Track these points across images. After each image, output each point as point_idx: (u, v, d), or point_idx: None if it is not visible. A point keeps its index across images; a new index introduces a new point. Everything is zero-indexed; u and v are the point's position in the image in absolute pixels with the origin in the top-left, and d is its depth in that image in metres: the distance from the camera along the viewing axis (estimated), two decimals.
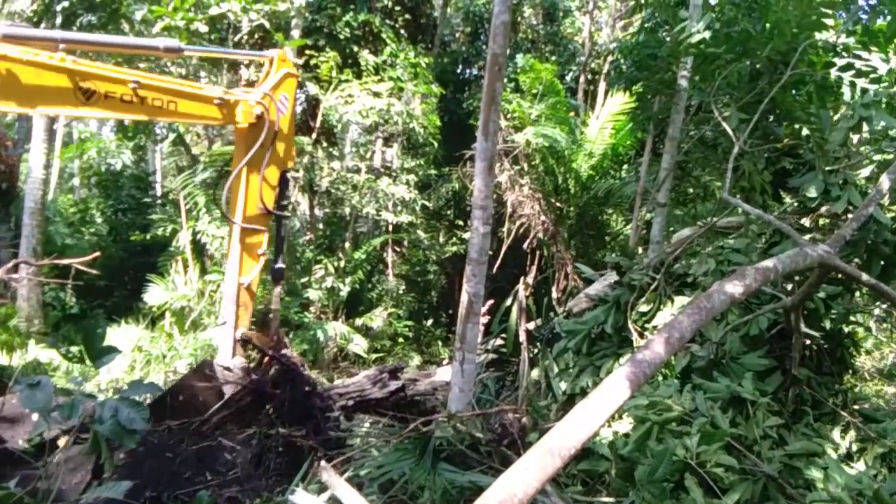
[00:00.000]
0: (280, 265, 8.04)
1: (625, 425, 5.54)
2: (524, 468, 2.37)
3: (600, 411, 2.62)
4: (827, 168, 5.78)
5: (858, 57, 5.60)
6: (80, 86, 5.40)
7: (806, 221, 6.25)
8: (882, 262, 5.51)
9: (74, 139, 21.62)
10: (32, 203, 12.05)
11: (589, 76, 17.64)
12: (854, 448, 5.06)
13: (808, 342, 5.59)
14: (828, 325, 5.70)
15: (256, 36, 13.16)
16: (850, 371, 6.39)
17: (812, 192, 5.60)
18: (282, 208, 7.80)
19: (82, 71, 5.38)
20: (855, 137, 6.32)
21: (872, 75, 5.49)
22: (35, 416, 4.90)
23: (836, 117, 6.34)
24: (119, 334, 10.84)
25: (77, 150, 16.08)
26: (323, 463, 2.32)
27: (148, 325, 11.58)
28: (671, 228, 9.67)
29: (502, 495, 2.27)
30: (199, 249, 12.05)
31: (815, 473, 4.04)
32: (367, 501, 2.15)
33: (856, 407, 5.69)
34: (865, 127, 5.71)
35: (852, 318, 6.31)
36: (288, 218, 8.16)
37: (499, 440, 5.60)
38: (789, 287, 5.75)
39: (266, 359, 7.71)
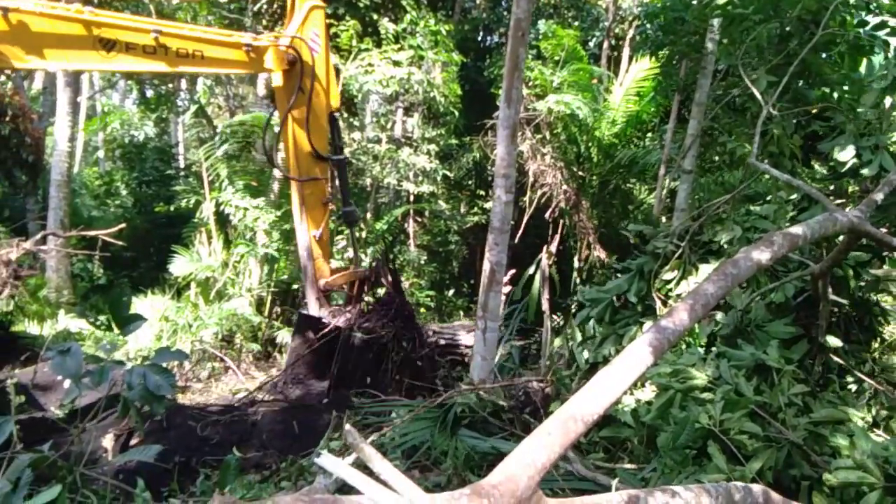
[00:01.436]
0: (349, 208, 8.01)
1: (648, 393, 5.54)
2: (547, 433, 2.37)
3: (623, 378, 2.61)
4: (859, 132, 5.63)
5: (893, 14, 5.41)
6: (99, 37, 5.31)
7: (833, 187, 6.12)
8: None
9: (98, 112, 21.83)
10: (59, 176, 12.21)
11: (613, 42, 17.27)
12: (881, 416, 5.01)
13: (835, 310, 5.50)
14: (856, 292, 5.61)
15: (276, 5, 13.09)
16: (879, 339, 6.29)
17: (843, 157, 5.46)
18: (338, 150, 7.68)
19: (99, 21, 5.29)
20: (888, 100, 6.13)
21: None
22: (67, 383, 5.01)
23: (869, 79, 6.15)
24: (146, 304, 11.04)
25: (101, 122, 16.23)
26: (348, 426, 2.34)
27: (174, 295, 11.76)
28: (697, 196, 9.53)
29: (526, 458, 2.28)
30: (222, 220, 12.15)
31: (841, 441, 4.01)
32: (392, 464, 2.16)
33: (883, 375, 5.62)
34: None
35: (882, 287, 6.20)
36: (346, 159, 8.07)
37: (521, 408, 5.63)
38: (816, 254, 5.65)
39: (357, 293, 7.98)
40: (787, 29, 6.25)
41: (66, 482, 3.34)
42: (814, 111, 6.14)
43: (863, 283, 5.62)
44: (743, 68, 6.13)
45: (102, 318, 10.67)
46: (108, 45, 5.40)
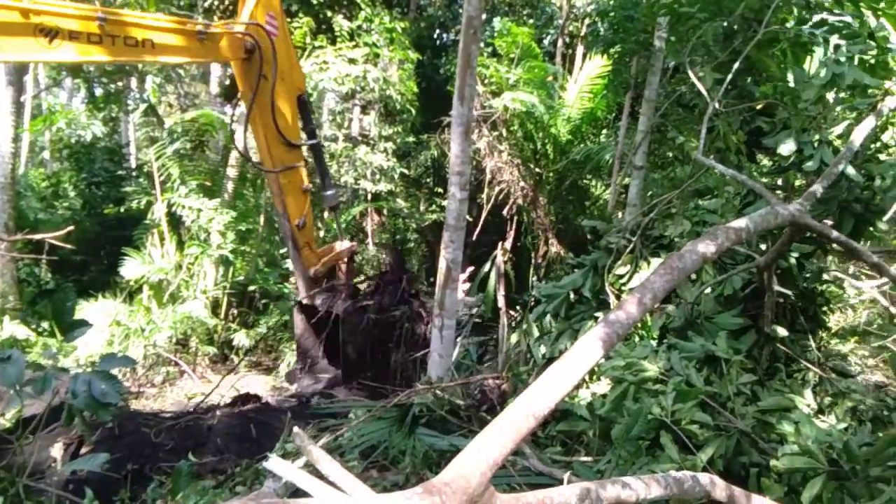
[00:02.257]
0: (329, 191, 7.87)
1: (603, 386, 5.62)
2: (499, 428, 2.38)
3: (574, 371, 2.63)
4: (801, 127, 5.78)
5: (832, 13, 5.58)
6: (40, 25, 4.96)
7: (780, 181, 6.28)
8: (854, 220, 5.56)
9: (44, 111, 21.14)
10: (2, 178, 11.78)
11: (567, 39, 17.45)
12: (826, 402, 5.17)
13: (781, 301, 5.65)
14: (801, 283, 5.77)
15: (227, 2, 12.87)
16: (824, 329, 6.49)
17: (785, 151, 5.61)
18: (311, 134, 7.48)
19: (37, 8, 4.95)
20: (831, 96, 6.32)
21: (845, 31, 5.47)
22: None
23: (811, 73, 6.33)
24: (96, 309, 10.74)
25: (46, 121, 15.73)
26: (296, 429, 2.32)
27: (125, 299, 11.48)
28: (649, 192, 9.69)
29: (478, 455, 2.28)
30: (175, 221, 11.91)
31: (787, 428, 4.12)
32: (345, 466, 2.15)
33: (829, 364, 5.79)
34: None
35: (826, 277, 6.39)
36: (319, 142, 7.92)
37: (478, 406, 5.67)
38: (764, 247, 5.80)
39: (347, 272, 7.99)
40: (733, 27, 6.40)
41: (7, 494, 3.24)
42: (758, 107, 6.30)
43: (807, 275, 5.80)
44: (690, 66, 6.25)
45: (46, 324, 10.35)
46: (50, 35, 5.03)
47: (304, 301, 7.91)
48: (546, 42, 17.80)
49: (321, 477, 2.17)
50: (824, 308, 6.29)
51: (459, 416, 5.44)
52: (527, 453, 4.55)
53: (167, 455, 6.25)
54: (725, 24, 6.40)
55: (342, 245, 8.35)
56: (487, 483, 2.30)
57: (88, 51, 5.34)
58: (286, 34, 6.95)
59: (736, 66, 5.44)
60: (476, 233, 11.85)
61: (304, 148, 7.72)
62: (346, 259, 8.32)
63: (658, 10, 6.96)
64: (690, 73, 5.89)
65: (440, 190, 16.35)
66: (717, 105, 5.52)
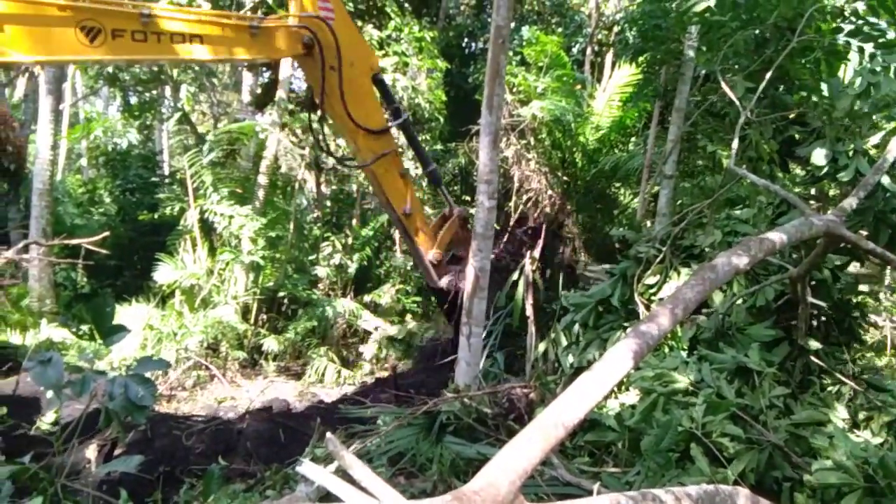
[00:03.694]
0: (430, 167, 7.66)
1: (632, 397, 5.58)
2: (528, 439, 2.39)
3: (603, 382, 2.63)
4: (836, 136, 5.70)
5: (867, 22, 5.49)
6: (81, 24, 4.72)
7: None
8: (890, 231, 5.46)
9: (81, 119, 21.69)
10: (41, 184, 12.11)
11: (596, 48, 17.40)
12: (861, 416, 5.07)
13: (815, 312, 5.56)
14: (835, 295, 5.67)
15: (260, 12, 13.08)
16: (858, 341, 6.36)
17: (819, 161, 5.54)
18: (396, 113, 7.06)
19: (78, 5, 4.74)
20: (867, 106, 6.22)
21: (881, 40, 5.38)
22: (49, 394, 4.98)
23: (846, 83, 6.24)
24: (130, 313, 10.95)
25: (83, 130, 16.11)
26: (329, 434, 2.35)
27: (158, 303, 11.69)
28: (679, 201, 9.60)
29: (507, 464, 2.29)
30: (207, 228, 12.11)
31: (821, 442, 4.05)
32: (375, 472, 2.18)
33: (864, 376, 5.68)
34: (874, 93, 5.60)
35: (861, 288, 6.26)
36: (407, 119, 7.44)
37: (505, 415, 5.66)
38: (797, 257, 5.72)
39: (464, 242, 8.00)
40: (765, 35, 6.34)
41: (47, 494, 3.32)
42: (791, 116, 6.22)
43: (841, 286, 5.70)
44: (721, 74, 6.19)
45: (85, 327, 10.58)
46: (92, 33, 4.79)
47: (431, 286, 7.77)
48: (575, 50, 17.74)
49: (352, 482, 2.20)
50: (859, 320, 6.17)
51: (487, 425, 5.44)
52: (555, 463, 4.53)
53: (198, 458, 6.37)
54: (757, 32, 6.33)
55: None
56: (517, 492, 2.31)
57: (133, 49, 5.03)
58: (344, 14, 6.37)
59: (769, 75, 5.38)
60: (504, 241, 11.84)
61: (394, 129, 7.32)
62: (459, 230, 8.00)
63: (689, 20, 6.92)
64: (722, 82, 5.84)
65: (468, 198, 16.37)
66: (748, 114, 5.46)
